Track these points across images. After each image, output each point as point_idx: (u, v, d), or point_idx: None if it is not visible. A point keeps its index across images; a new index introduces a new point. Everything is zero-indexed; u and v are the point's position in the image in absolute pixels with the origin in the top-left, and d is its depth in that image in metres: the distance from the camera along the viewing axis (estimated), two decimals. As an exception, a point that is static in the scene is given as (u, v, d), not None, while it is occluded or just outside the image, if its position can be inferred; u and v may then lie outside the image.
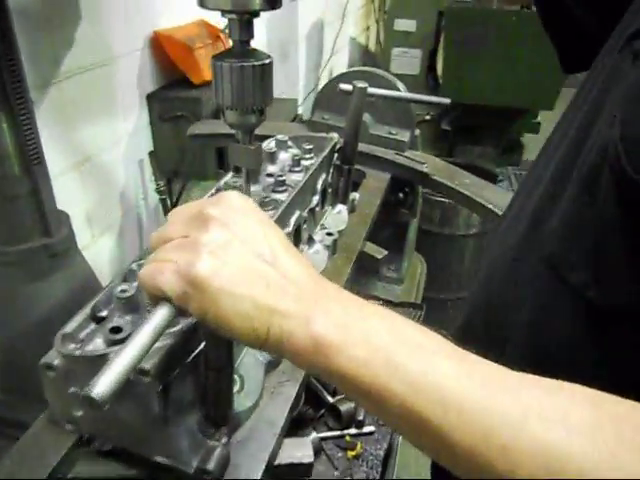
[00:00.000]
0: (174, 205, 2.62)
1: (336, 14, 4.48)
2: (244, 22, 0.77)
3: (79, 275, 1.18)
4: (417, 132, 1.60)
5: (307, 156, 1.18)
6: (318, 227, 1.12)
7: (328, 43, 4.46)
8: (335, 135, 1.23)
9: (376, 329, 0.51)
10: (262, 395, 0.80)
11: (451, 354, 0.50)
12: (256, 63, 0.78)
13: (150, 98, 2.48)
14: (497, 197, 1.35)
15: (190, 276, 0.51)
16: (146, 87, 2.47)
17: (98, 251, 2.26)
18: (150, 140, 2.53)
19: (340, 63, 5.18)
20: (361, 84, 1.17)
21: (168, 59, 2.48)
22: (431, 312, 1.92)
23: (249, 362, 0.83)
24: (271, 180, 1.08)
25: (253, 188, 1.05)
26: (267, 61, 0.80)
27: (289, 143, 1.21)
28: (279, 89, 2.47)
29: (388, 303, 1.37)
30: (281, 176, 1.05)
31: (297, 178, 1.09)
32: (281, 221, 0.90)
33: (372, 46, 6.16)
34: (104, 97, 2.18)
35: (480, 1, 3.43)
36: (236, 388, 0.77)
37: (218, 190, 1.05)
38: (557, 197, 0.67)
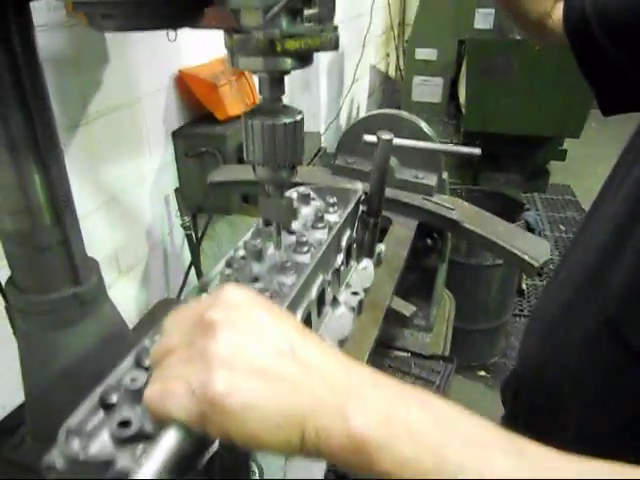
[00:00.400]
0: (200, 240, 2.64)
1: (357, 42, 4.48)
2: (275, 80, 0.76)
3: (108, 322, 1.18)
4: (445, 175, 1.56)
5: (331, 210, 1.15)
6: (343, 286, 1.08)
7: (349, 71, 4.45)
8: (359, 186, 1.20)
9: (421, 421, 0.45)
10: (284, 485, 0.75)
11: (507, 447, 0.44)
12: (287, 121, 0.77)
13: (175, 135, 2.50)
14: (531, 246, 1.29)
15: (207, 396, 0.45)
16: (171, 124, 2.48)
17: (125, 287, 2.27)
18: (175, 176, 2.55)
19: (361, 90, 5.18)
20: (386, 135, 1.13)
21: (193, 96, 2.50)
22: (458, 344, 1.87)
23: None
24: (292, 239, 1.05)
25: (272, 250, 1.03)
26: (298, 118, 0.78)
27: (312, 195, 1.19)
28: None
29: (418, 356, 1.32)
30: (303, 236, 1.02)
31: (320, 236, 1.06)
32: (304, 288, 0.86)
33: (392, 72, 6.16)
34: (131, 135, 2.20)
35: (502, 30, 3.40)
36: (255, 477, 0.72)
37: (235, 251, 1.02)
38: (617, 255, 0.63)
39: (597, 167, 6.18)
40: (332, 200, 1.16)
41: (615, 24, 0.77)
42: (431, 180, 1.53)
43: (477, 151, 1.19)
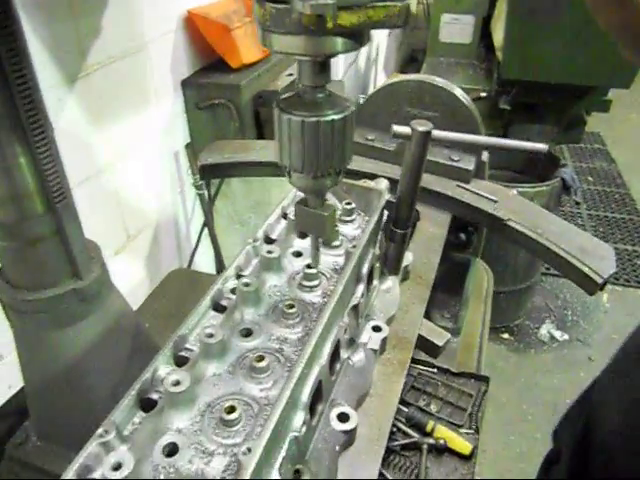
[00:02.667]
0: (213, 199, 2.42)
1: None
2: (317, 65, 0.55)
3: (114, 316, 1.08)
4: (485, 157, 1.28)
5: (347, 219, 0.91)
6: (362, 319, 0.85)
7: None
8: (384, 184, 0.95)
9: None
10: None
11: None
12: (335, 117, 0.56)
13: (185, 84, 2.25)
14: (593, 253, 1.02)
15: None
16: (181, 73, 2.23)
17: (134, 253, 2.10)
18: (186, 131, 2.31)
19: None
20: (422, 127, 0.88)
21: (204, 41, 2.22)
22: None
23: (321, 450, 0.63)
24: (299, 264, 0.82)
25: (275, 281, 0.81)
26: (349, 111, 0.58)
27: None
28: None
29: (445, 372, 1.12)
30: (310, 267, 0.78)
31: (335, 260, 0.83)
32: (315, 350, 0.64)
33: (413, 7, 5.63)
34: (136, 87, 1.96)
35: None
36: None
37: (224, 282, 0.78)
38: None
39: (630, 113, 5.73)
40: (350, 205, 0.92)
41: None
42: (469, 163, 1.26)
43: (543, 147, 0.94)
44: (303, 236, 0.78)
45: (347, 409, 0.69)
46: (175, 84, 2.20)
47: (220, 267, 2.46)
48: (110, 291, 1.07)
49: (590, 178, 4.71)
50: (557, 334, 3.17)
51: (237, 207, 2.55)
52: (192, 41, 2.24)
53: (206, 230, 2.40)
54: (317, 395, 0.66)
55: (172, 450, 0.54)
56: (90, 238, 1.05)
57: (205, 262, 2.57)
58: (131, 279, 2.08)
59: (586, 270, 1.01)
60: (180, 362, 0.65)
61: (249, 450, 0.49)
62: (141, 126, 2.01)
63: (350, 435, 0.68)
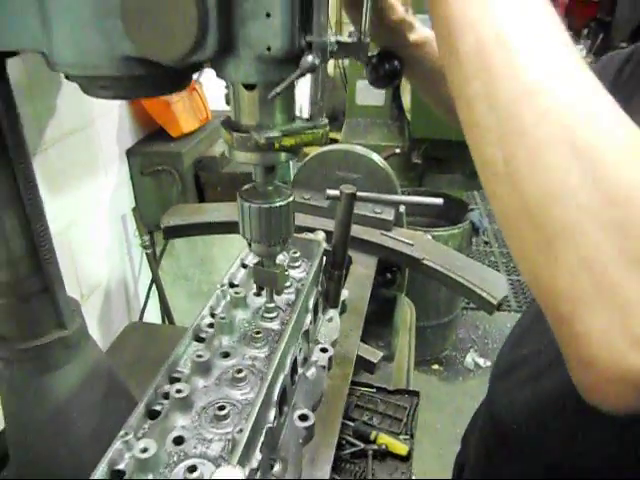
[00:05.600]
0: (159, 258, 2.56)
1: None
2: (268, 169, 0.77)
3: (92, 362, 1.15)
4: (402, 209, 1.55)
5: (295, 265, 1.12)
6: (312, 344, 1.06)
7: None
8: (321, 235, 1.17)
9: None
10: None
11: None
12: (282, 203, 0.78)
13: (129, 153, 2.40)
14: (489, 281, 1.28)
15: None
16: (125, 143, 2.39)
17: (87, 311, 2.18)
18: (132, 196, 2.45)
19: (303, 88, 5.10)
20: (349, 190, 1.12)
21: (145, 113, 2.41)
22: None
23: (288, 442, 0.82)
24: (260, 301, 1.02)
25: (242, 315, 1.01)
26: (290, 199, 0.80)
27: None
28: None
29: (382, 391, 1.32)
30: (269, 302, 0.99)
31: (288, 297, 1.03)
32: (279, 364, 0.83)
33: (330, 69, 6.10)
34: (86, 158, 2.11)
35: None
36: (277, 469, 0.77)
37: (202, 319, 0.98)
38: None
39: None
40: (295, 254, 1.13)
41: None
42: (389, 214, 1.52)
43: (439, 201, 1.19)
44: (260, 288, 0.98)
45: (306, 411, 0.88)
46: (121, 153, 2.36)
47: (169, 320, 2.57)
48: (88, 339, 1.15)
49: (500, 220, 5.15)
50: (480, 361, 3.46)
51: (181, 264, 2.69)
52: (135, 114, 2.42)
53: (154, 287, 2.52)
54: (282, 400, 0.84)
55: (180, 440, 0.72)
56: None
57: (154, 316, 2.67)
58: (86, 337, 2.16)
59: (484, 295, 1.27)
60: (173, 381, 0.83)
61: (241, 430, 0.68)
62: (91, 193, 2.15)
63: (309, 431, 0.87)
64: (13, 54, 0.84)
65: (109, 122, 2.26)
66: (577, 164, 0.43)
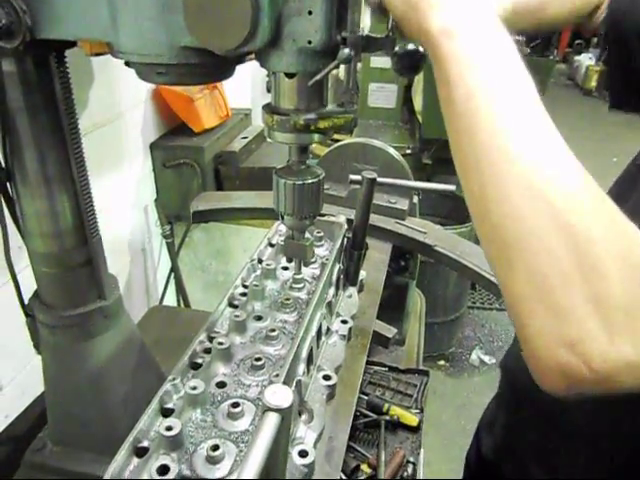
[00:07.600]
0: (179, 248, 2.65)
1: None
2: (302, 149, 0.86)
3: (127, 332, 1.23)
4: (415, 200, 1.65)
5: (318, 244, 1.22)
6: (334, 316, 1.16)
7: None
8: (342, 219, 1.28)
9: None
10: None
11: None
12: (313, 180, 0.86)
13: (153, 147, 2.50)
14: None
15: None
16: (150, 136, 2.49)
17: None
18: (154, 187, 2.56)
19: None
20: (370, 175, 1.21)
21: (169, 109, 2.51)
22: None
23: (314, 397, 0.92)
24: (288, 275, 1.13)
25: (272, 285, 1.11)
26: (320, 177, 0.88)
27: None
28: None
29: (394, 370, 1.41)
30: (298, 273, 1.10)
31: (313, 271, 1.14)
32: (307, 326, 0.93)
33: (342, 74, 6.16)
34: (113, 150, 2.20)
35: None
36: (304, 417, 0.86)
37: (235, 288, 1.08)
38: None
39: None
40: (319, 234, 1.23)
41: None
42: (403, 204, 1.62)
43: (452, 187, 1.28)
44: (290, 260, 1.07)
45: (329, 372, 0.98)
46: (145, 146, 2.46)
47: (186, 305, 2.67)
48: (123, 311, 1.22)
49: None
50: (486, 358, 3.54)
51: (199, 255, 2.78)
52: (159, 109, 2.53)
53: (172, 276, 2.62)
54: (309, 360, 0.94)
55: (222, 385, 0.82)
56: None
57: (171, 303, 2.76)
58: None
59: (493, 279, 1.35)
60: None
61: (277, 375, 0.77)
62: (116, 184, 2.25)
63: (332, 389, 0.97)
64: (72, 45, 0.94)
65: (135, 116, 2.36)
66: (529, 195, 0.53)
